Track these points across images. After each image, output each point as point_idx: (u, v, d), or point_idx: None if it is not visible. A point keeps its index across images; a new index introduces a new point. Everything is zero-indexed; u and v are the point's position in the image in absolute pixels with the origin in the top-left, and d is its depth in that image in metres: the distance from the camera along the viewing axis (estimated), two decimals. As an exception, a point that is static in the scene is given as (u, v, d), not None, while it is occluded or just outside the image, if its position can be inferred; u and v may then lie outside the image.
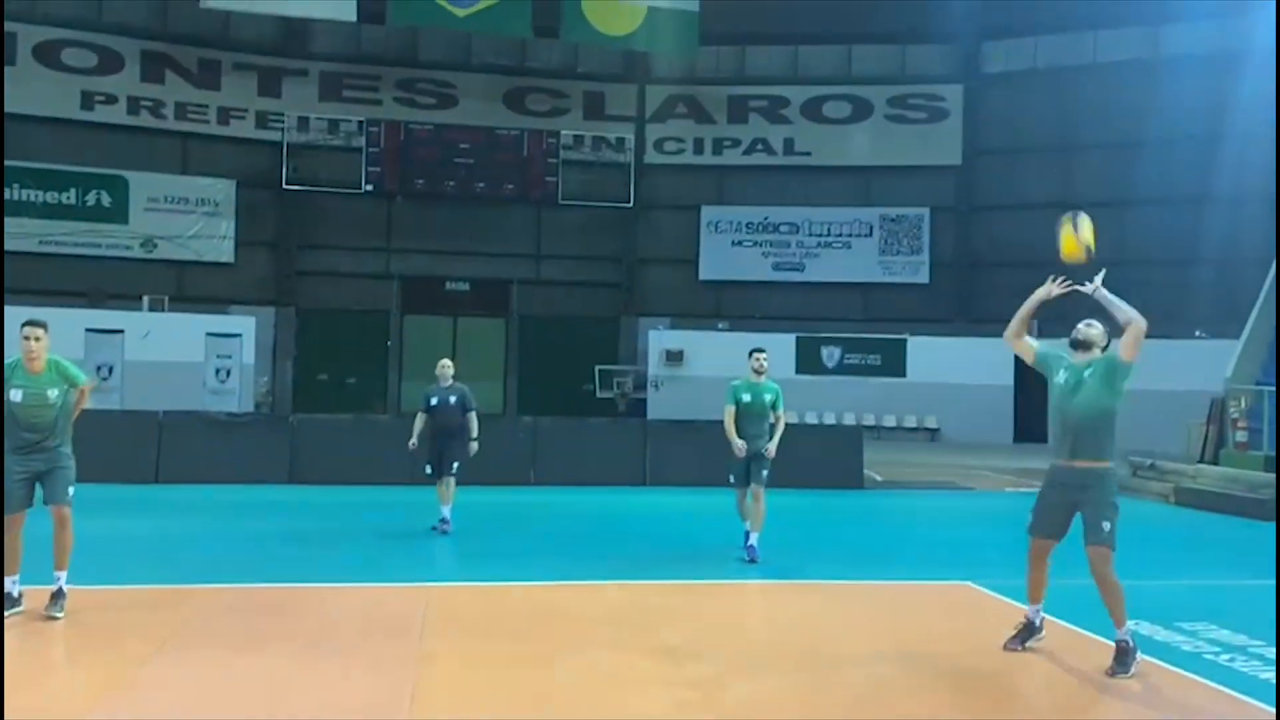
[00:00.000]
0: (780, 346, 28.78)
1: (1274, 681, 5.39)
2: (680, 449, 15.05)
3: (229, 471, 13.74)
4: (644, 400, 28.98)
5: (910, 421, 28.49)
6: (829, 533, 11.50)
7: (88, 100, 28.04)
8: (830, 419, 26.61)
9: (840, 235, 31.65)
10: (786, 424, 8.96)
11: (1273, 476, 13.24)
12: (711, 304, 31.59)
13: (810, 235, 31.68)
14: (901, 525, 12.75)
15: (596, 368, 30.41)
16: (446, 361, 10.35)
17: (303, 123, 29.20)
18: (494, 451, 14.85)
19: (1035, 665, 5.77)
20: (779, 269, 31.71)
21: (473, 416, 10.15)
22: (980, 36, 30.50)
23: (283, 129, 29.15)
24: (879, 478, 16.82)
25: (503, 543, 10.12)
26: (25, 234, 27.16)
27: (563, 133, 30.72)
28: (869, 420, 26.92)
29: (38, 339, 6.26)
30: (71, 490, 6.40)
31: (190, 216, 28.89)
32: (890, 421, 28.30)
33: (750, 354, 8.93)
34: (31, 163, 27.11)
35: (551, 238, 31.38)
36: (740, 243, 31.84)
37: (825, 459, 15.47)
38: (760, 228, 31.81)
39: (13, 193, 27.09)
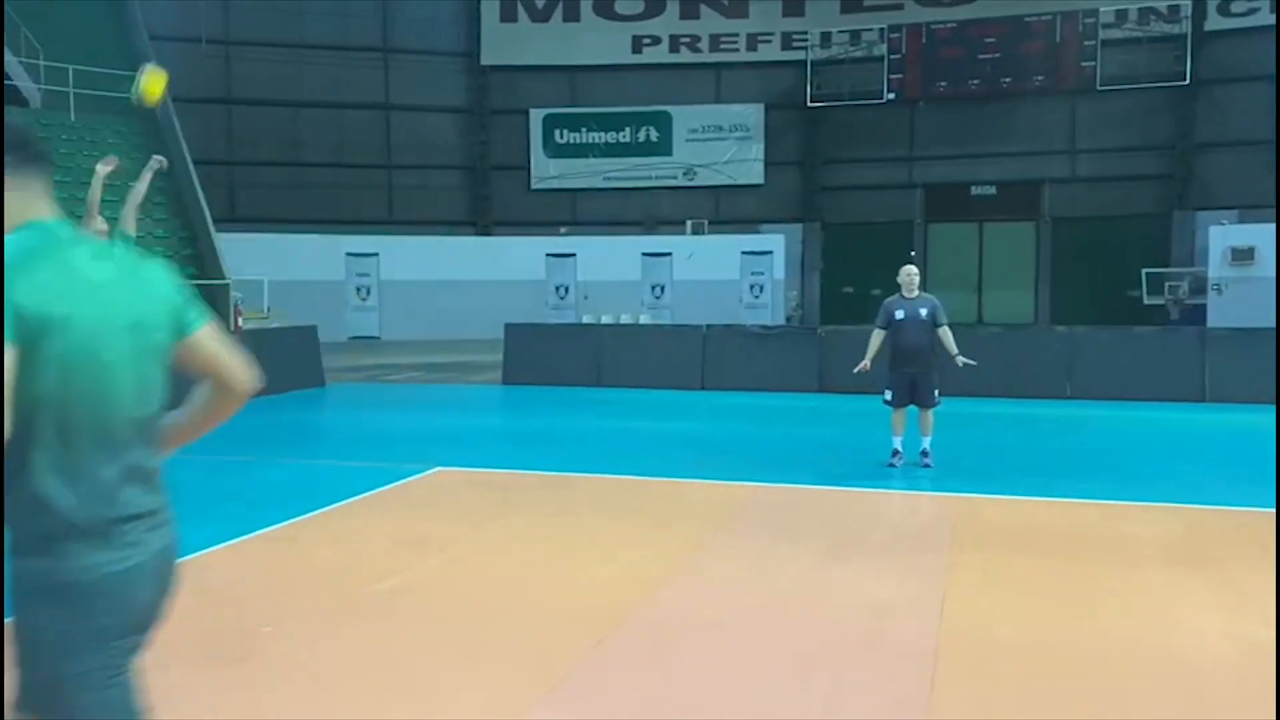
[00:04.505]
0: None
1: None
2: (1249, 361, 13.20)
3: (763, 380, 14.89)
4: (1202, 306, 25.63)
5: None
6: None
7: (636, 44, 31.10)
8: None
9: None
10: None
11: None
12: (1295, 190, 26.70)
13: None
14: None
15: (1144, 271, 27.45)
16: (912, 268, 8.92)
17: (825, 38, 29.69)
18: (1026, 363, 14.37)
19: None
20: (1394, 141, 25.75)
21: (946, 331, 8.77)
22: None
23: (806, 47, 29.89)
24: None
25: (1034, 457, 9.71)
26: (592, 172, 31.22)
27: (1102, 9, 27.65)
28: None
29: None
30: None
31: (724, 143, 30.99)
32: None
33: None
34: (594, 108, 30.98)
35: (1088, 130, 28.65)
36: (1337, 113, 26.36)
37: None
38: (1367, 92, 26.02)
39: (581, 136, 31.21)
